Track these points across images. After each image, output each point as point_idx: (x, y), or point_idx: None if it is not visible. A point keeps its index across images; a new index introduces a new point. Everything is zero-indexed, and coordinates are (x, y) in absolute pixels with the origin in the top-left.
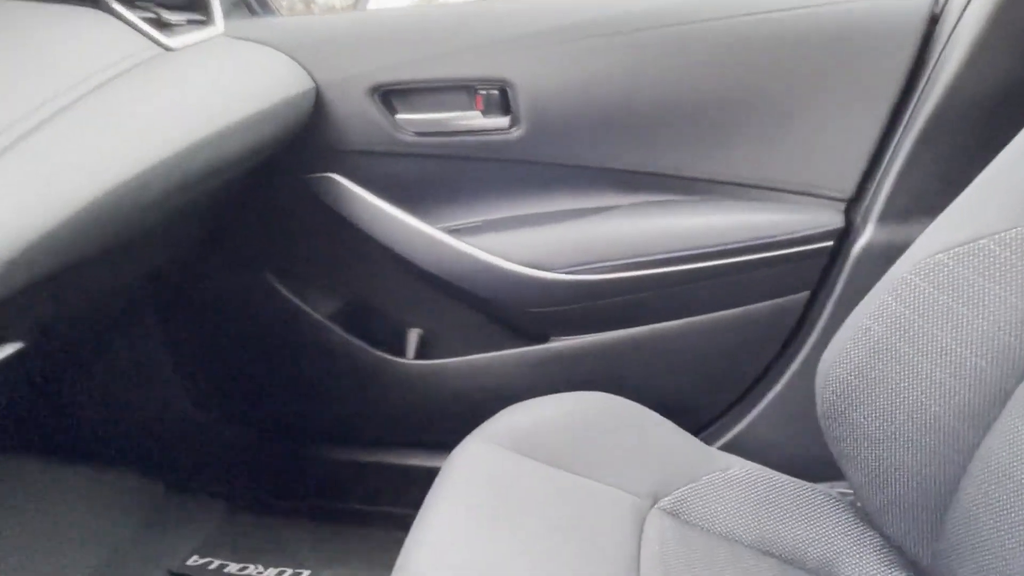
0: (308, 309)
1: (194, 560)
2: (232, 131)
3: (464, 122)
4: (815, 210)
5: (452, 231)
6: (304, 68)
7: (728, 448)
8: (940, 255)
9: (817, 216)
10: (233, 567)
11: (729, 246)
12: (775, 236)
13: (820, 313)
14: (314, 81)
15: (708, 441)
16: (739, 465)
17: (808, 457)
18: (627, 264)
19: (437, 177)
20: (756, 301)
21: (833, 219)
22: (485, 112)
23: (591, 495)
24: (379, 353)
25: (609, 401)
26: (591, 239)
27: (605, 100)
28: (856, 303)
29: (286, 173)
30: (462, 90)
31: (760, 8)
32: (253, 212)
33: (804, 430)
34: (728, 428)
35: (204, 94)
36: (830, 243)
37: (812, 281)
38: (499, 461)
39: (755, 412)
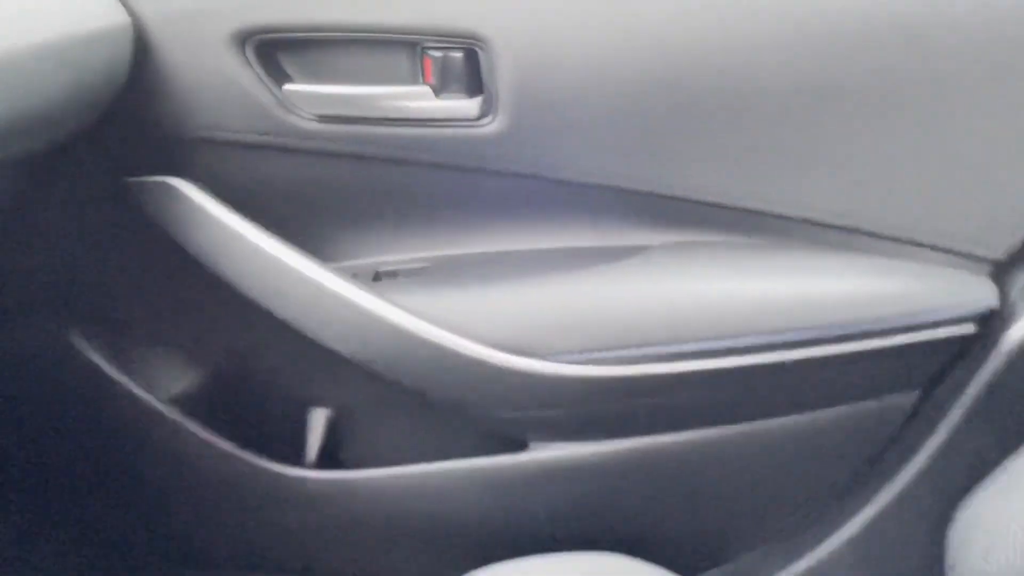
0: (137, 388)
1: None
2: None
3: (403, 103)
4: (948, 274)
5: (379, 274)
6: None
7: None
8: None
9: (951, 283)
10: None
11: (812, 333)
12: (885, 315)
13: (938, 421)
14: (131, 15)
15: None
16: None
17: None
18: (657, 355)
19: (351, 190)
20: (838, 403)
21: (976, 290)
22: (440, 88)
23: None
24: (256, 459)
25: (627, 571)
26: (602, 304)
27: (632, 79)
28: (1007, 416)
29: (96, 173)
30: (400, 48)
31: None
32: (45, 235)
33: None
34: (782, 567)
35: None
36: (970, 326)
37: (926, 375)
38: None
39: (823, 550)
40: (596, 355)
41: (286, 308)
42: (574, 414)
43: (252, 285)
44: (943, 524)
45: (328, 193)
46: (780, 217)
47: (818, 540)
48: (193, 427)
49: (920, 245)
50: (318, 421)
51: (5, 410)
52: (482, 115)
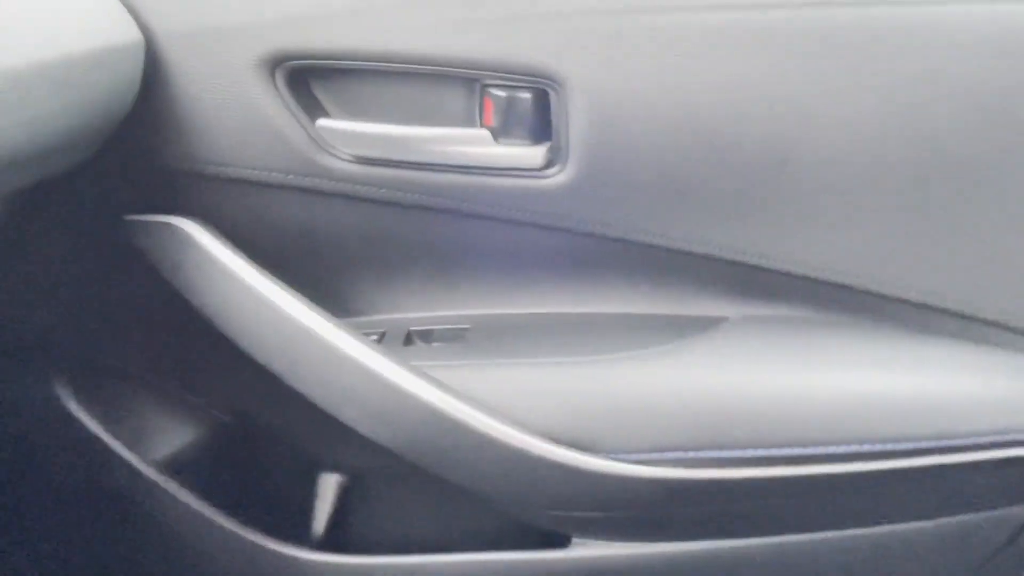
0: (123, 449)
1: None
2: None
3: (457, 148)
4: None
5: (412, 333)
6: (130, 4)
7: None
8: None
9: None
10: None
11: (922, 442)
12: (1007, 423)
13: None
14: (143, 31)
15: None
16: None
17: None
18: (737, 459)
19: (388, 238)
20: (946, 514)
21: None
22: (500, 132)
23: None
24: (255, 536)
25: None
26: (673, 393)
27: (723, 134)
28: None
29: (92, 209)
30: (457, 84)
31: None
32: (32, 275)
33: None
34: None
35: None
36: None
37: None
38: None
39: None
40: (663, 456)
41: (297, 375)
42: (631, 515)
43: (259, 345)
44: None
45: (360, 241)
46: (890, 298)
47: None
48: (184, 496)
49: None
50: (328, 492)
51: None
52: (548, 165)
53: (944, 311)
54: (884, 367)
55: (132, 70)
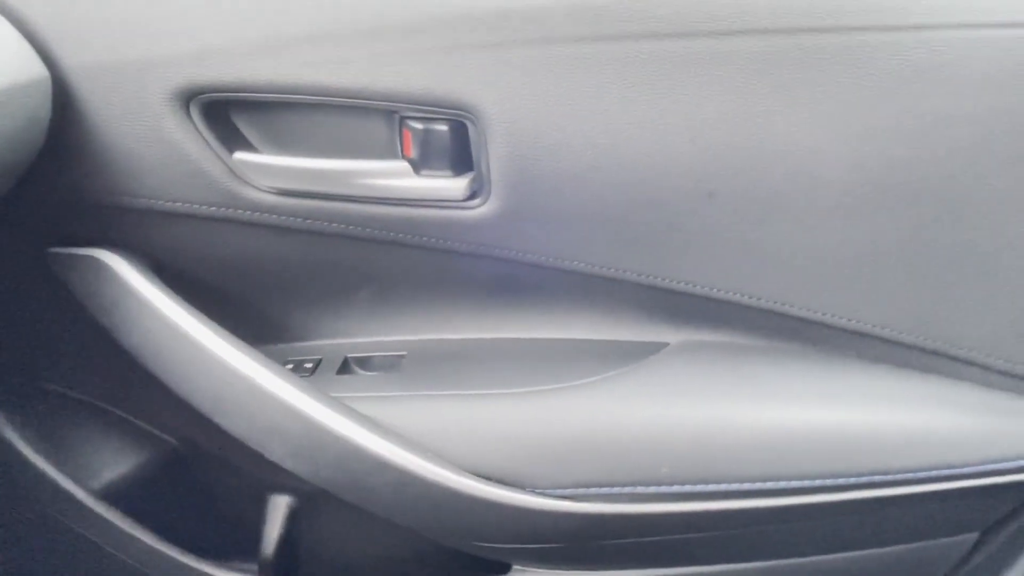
0: (62, 479)
1: None
2: None
3: (377, 181)
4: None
5: (349, 360)
6: (34, 40)
7: None
8: None
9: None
10: None
11: (859, 478)
12: (953, 457)
13: (995, 569)
14: (50, 67)
15: None
16: None
17: None
18: (667, 495)
19: (318, 266)
20: (884, 545)
21: None
22: (421, 163)
23: None
24: (197, 563)
25: None
26: (603, 428)
27: (641, 163)
28: None
29: (13, 242)
30: (376, 117)
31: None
32: None
33: None
34: None
35: None
36: None
37: (989, 519)
38: None
39: None
40: (587, 492)
41: (219, 410)
42: (559, 547)
43: (180, 379)
44: None
45: (292, 269)
46: (828, 326)
47: None
48: (124, 523)
49: (998, 372)
50: (277, 515)
51: None
52: (471, 196)
53: (884, 339)
54: (824, 397)
55: (39, 106)
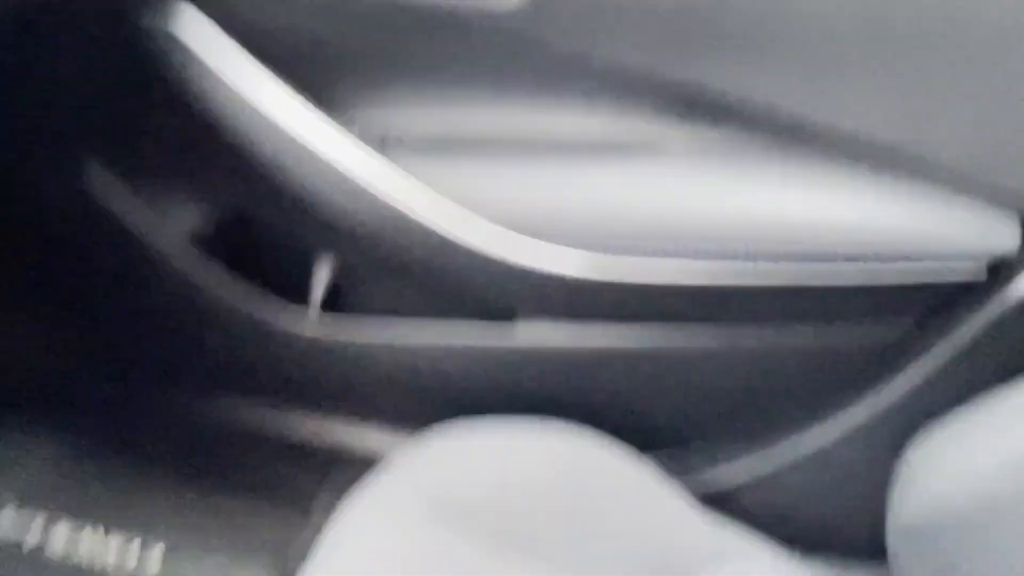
0: (142, 223)
1: (9, 514)
2: None
3: None
4: (974, 211)
5: (379, 142)
6: None
7: (734, 497)
8: None
9: (973, 221)
10: (64, 526)
11: (812, 249)
12: (894, 242)
13: (922, 355)
14: None
15: (712, 482)
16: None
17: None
18: (667, 250)
19: (359, 50)
20: (829, 321)
21: (999, 233)
22: None
23: None
24: (261, 295)
25: (590, 445)
26: (604, 203)
27: None
28: (991, 364)
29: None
30: None
31: None
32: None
33: (845, 496)
34: (743, 468)
35: None
36: (982, 268)
37: (924, 308)
38: (405, 541)
39: (783, 459)
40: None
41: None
42: (565, 299)
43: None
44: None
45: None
46: (814, 126)
47: (772, 443)
48: (200, 265)
49: (950, 171)
50: (323, 269)
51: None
52: None
53: (863, 140)
54: (792, 185)
55: None
